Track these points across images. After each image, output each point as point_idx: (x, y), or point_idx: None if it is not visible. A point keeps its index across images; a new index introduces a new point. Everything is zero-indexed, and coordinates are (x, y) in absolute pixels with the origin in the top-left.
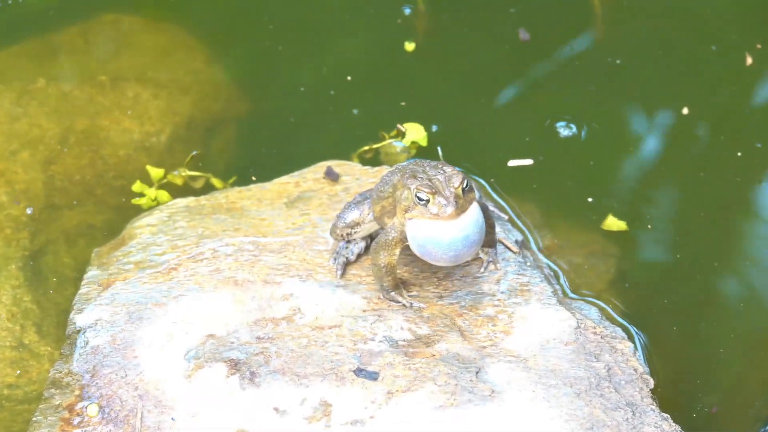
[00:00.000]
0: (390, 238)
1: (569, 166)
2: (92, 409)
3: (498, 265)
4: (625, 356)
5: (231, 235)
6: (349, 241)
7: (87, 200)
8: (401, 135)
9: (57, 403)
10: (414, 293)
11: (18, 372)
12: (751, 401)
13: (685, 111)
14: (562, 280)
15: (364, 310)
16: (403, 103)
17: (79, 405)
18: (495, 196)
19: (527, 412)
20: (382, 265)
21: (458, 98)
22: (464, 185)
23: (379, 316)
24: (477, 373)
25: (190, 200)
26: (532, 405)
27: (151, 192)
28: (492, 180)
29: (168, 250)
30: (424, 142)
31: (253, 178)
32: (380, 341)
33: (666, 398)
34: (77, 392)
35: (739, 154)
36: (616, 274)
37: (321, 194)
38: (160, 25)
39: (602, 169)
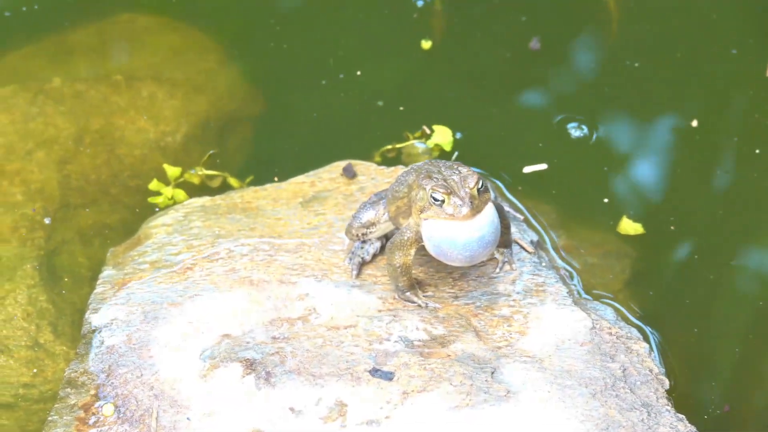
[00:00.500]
0: (405, 238)
1: (584, 168)
2: (108, 409)
3: (513, 265)
4: (641, 357)
5: (246, 235)
6: (364, 241)
7: (102, 200)
8: (425, 137)
9: (72, 402)
10: (429, 293)
11: (34, 371)
12: (767, 401)
13: (699, 115)
14: (576, 281)
15: (380, 310)
16: (404, 108)
17: (95, 404)
18: (510, 196)
19: (542, 412)
20: (398, 265)
21: (475, 102)
22: (479, 185)
23: (394, 316)
24: (492, 373)
25: (206, 200)
26: (547, 405)
27: (168, 191)
28: (507, 181)
29: (183, 250)
30: (448, 147)
31: (276, 179)
32: (395, 341)
33: (681, 399)
34: (93, 392)
35: (757, 151)
36: (631, 274)
37: (336, 194)
38: (174, 25)
39: (616, 170)
